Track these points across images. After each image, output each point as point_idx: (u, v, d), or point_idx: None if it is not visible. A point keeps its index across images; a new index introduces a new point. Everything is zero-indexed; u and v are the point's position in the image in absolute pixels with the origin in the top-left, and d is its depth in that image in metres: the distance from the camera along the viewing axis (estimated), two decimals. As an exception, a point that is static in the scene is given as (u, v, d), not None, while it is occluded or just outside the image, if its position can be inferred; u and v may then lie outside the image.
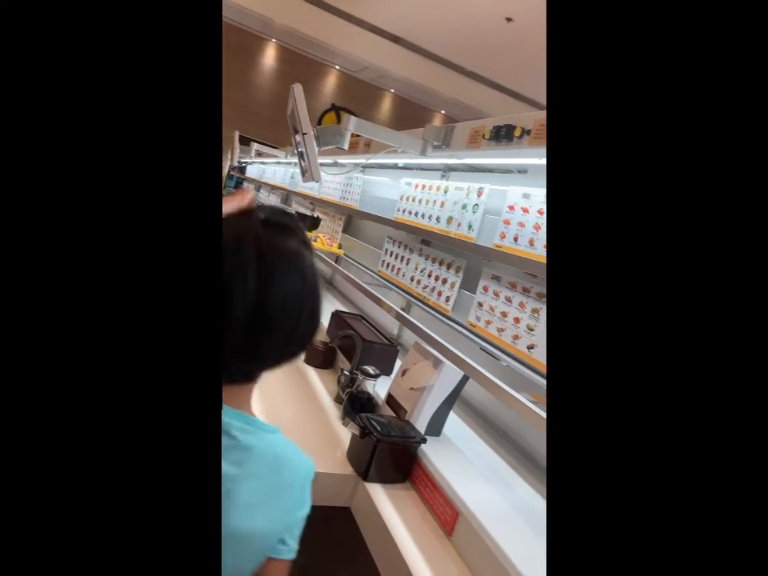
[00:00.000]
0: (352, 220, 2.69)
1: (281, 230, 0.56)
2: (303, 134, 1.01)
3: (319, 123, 8.22)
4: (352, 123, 1.19)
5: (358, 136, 1.79)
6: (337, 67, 8.13)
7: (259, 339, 0.54)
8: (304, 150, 1.01)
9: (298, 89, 1.00)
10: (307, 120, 1.02)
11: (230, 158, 4.48)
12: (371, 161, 1.85)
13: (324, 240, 2.22)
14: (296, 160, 3.53)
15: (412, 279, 1.77)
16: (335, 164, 2.81)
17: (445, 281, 1.57)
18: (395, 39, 7.17)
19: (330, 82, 8.25)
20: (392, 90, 8.47)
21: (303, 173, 1.23)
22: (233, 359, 0.54)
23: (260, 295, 0.52)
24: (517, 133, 1.00)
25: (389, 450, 1.04)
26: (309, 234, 1.25)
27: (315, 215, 1.77)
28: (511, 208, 1.32)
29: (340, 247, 2.53)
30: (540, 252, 1.18)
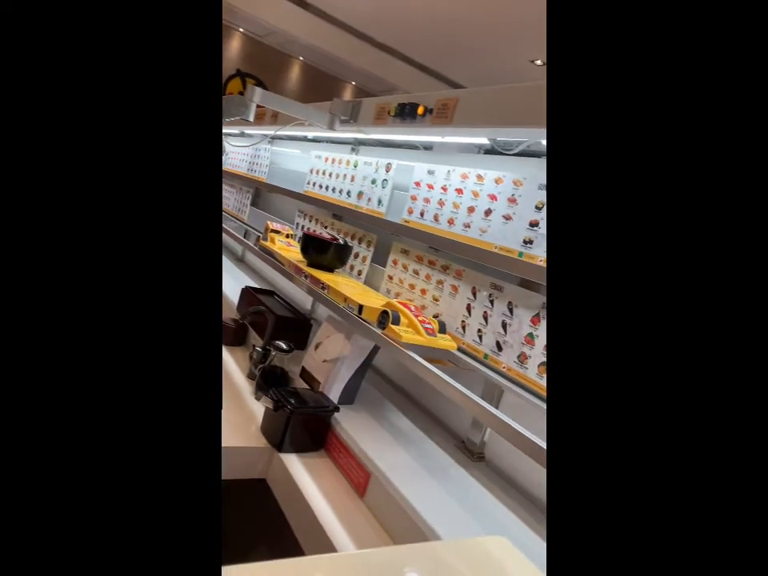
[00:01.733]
0: (261, 193, 2.62)
1: None
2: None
3: (224, 89, 7.77)
4: (257, 95, 1.16)
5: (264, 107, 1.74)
6: (241, 30, 7.69)
7: None
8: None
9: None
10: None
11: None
12: (279, 132, 1.81)
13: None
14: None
15: (324, 253, 1.78)
16: (242, 134, 2.71)
17: (357, 255, 1.60)
18: (303, 4, 6.92)
19: (234, 46, 7.81)
20: (301, 58, 8.20)
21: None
22: None
23: None
24: (420, 111, 1.03)
25: (302, 420, 1.07)
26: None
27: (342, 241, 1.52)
28: (417, 184, 1.37)
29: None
30: (444, 227, 1.24)
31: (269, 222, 1.80)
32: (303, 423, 1.07)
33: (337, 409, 1.12)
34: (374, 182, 1.59)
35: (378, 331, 1.06)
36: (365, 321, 1.11)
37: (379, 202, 1.56)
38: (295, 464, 1.04)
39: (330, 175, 1.84)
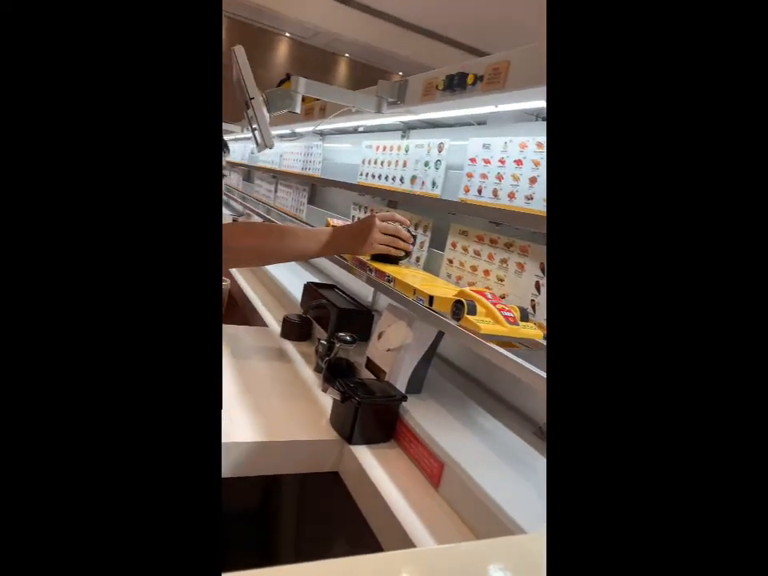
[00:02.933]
0: (316, 190, 2.64)
1: None
2: (250, 98, 0.97)
3: (275, 95, 7.95)
4: (302, 85, 1.15)
5: (316, 100, 1.73)
6: (287, 35, 7.84)
7: None
8: (253, 116, 0.97)
9: (239, 50, 0.95)
10: (253, 84, 0.98)
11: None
12: (328, 125, 1.80)
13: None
14: (247, 134, 3.44)
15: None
16: (293, 133, 2.74)
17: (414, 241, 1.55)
18: (345, 1, 6.93)
19: (282, 52, 7.97)
20: (347, 55, 8.24)
21: (257, 143, 1.19)
22: None
23: None
24: (470, 80, 0.97)
25: (371, 410, 1.05)
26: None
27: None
28: (473, 160, 1.30)
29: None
30: (504, 202, 1.17)
31: (329, 219, 1.80)
32: (372, 414, 1.05)
33: (404, 398, 1.09)
34: (426, 164, 1.54)
35: (453, 323, 0.98)
36: (437, 312, 1.04)
37: (433, 184, 1.50)
38: (366, 456, 1.02)
39: (382, 163, 1.81)
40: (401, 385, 1.16)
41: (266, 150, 1.36)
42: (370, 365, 1.28)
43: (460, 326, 0.96)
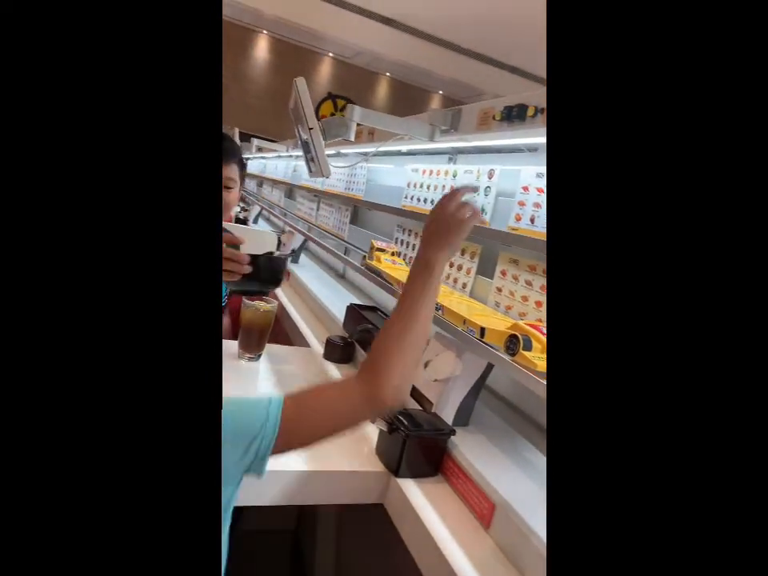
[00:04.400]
0: (358, 210, 2.66)
1: None
2: (309, 128, 0.98)
3: (316, 113, 8.13)
4: (357, 113, 1.16)
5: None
6: (330, 54, 8.02)
7: None
8: (311, 145, 0.99)
9: (300, 82, 0.97)
10: (313, 115, 0.99)
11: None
12: (372, 149, 1.81)
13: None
14: (298, 153, 3.48)
15: (426, 267, 1.74)
16: (338, 154, 2.77)
17: (460, 267, 1.54)
18: (387, 21, 7.05)
19: (325, 71, 8.15)
20: (387, 74, 8.35)
21: (310, 168, 1.21)
22: None
23: None
24: (530, 112, 0.96)
25: (418, 443, 1.03)
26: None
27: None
28: (525, 189, 1.28)
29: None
30: (558, 232, 1.15)
31: (374, 241, 1.80)
32: (419, 447, 1.03)
33: (453, 432, 1.07)
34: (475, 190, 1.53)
35: (507, 358, 0.95)
36: (489, 345, 1.01)
37: (483, 210, 1.49)
38: (413, 489, 1.00)
39: (429, 187, 1.81)
40: (448, 417, 1.14)
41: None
42: (415, 393, 1.26)
43: (514, 361, 0.93)
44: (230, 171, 1.26)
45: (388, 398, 0.66)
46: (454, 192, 0.84)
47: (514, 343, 0.94)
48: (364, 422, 0.68)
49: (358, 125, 1.24)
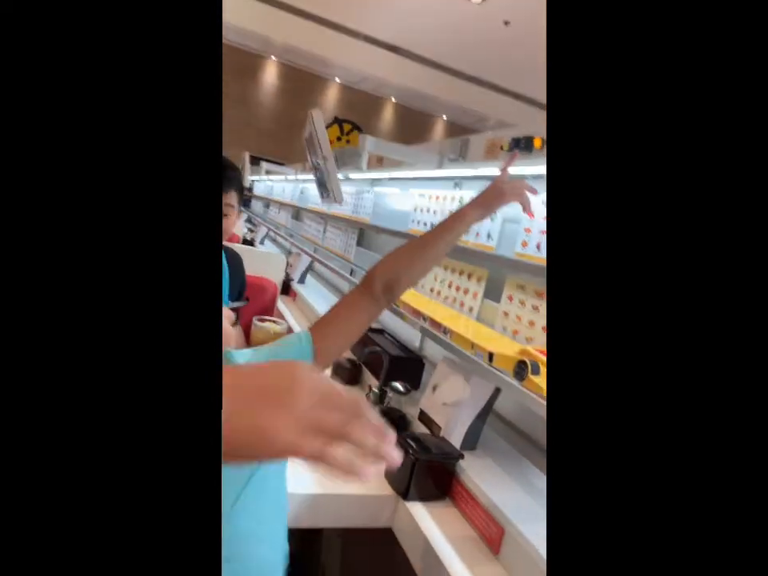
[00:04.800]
0: (365, 233, 2.70)
1: None
2: (324, 158, 1.02)
3: (323, 136, 8.26)
4: (369, 143, 1.20)
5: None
6: (337, 80, 8.20)
7: None
8: (326, 173, 1.02)
9: (317, 114, 1.01)
10: (328, 146, 1.03)
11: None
12: (384, 175, 1.85)
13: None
14: (305, 176, 3.53)
15: (432, 290, 1.77)
16: (346, 179, 2.83)
17: (467, 291, 1.57)
18: (393, 49, 7.23)
19: (331, 95, 8.32)
20: (392, 99, 8.52)
21: (323, 195, 1.25)
22: None
23: None
24: (537, 144, 1.00)
25: (427, 467, 1.04)
26: None
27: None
28: (531, 215, 1.31)
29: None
30: (564, 259, 1.17)
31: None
32: (428, 471, 1.04)
33: (461, 456, 1.08)
34: (482, 216, 1.56)
35: (516, 383, 0.96)
36: (498, 370, 1.03)
37: (488, 236, 1.52)
38: (422, 513, 1.00)
39: (435, 212, 1.85)
40: (456, 441, 1.15)
41: (317, 192, 1.41)
42: (424, 417, 1.27)
43: (523, 386, 0.95)
44: (229, 198, 1.27)
45: (387, 292, 0.80)
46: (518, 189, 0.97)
47: (522, 368, 0.95)
48: (376, 316, 0.83)
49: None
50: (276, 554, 0.65)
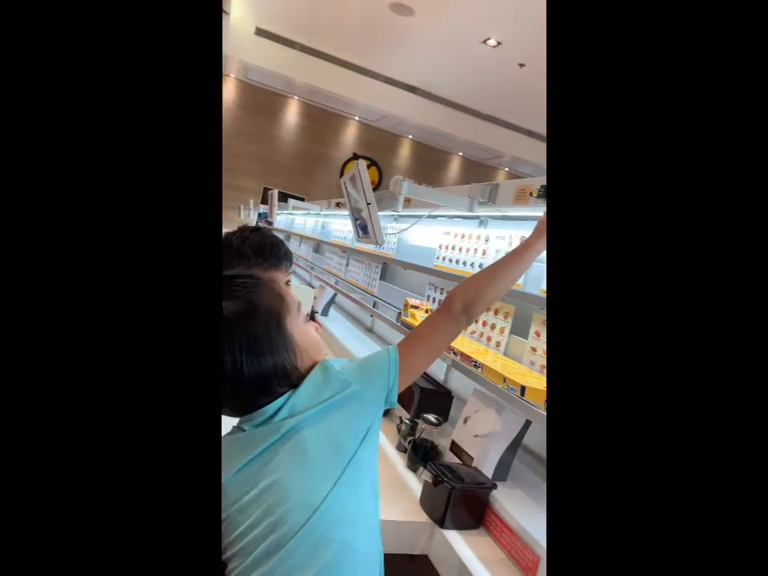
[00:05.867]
0: (388, 267, 2.78)
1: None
2: (368, 204, 1.11)
3: (341, 173, 8.52)
4: (405, 188, 1.29)
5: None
6: (356, 118, 8.49)
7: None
8: (368, 217, 1.11)
9: (361, 164, 1.11)
10: (371, 192, 1.12)
11: (267, 213, 4.70)
12: (411, 214, 1.95)
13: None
14: (329, 212, 3.64)
15: (458, 325, 1.83)
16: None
17: (494, 326, 1.63)
18: (411, 89, 7.50)
19: (350, 133, 8.60)
20: (410, 136, 8.77)
21: (359, 233, 1.33)
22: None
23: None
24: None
25: (462, 496, 1.08)
26: None
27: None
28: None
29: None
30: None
31: (408, 299, 1.91)
32: (463, 499, 1.08)
33: (494, 485, 1.12)
34: (507, 254, 1.63)
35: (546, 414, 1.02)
36: (529, 403, 1.08)
37: (515, 274, 1.59)
38: (458, 541, 1.04)
39: (460, 250, 1.93)
40: (488, 471, 1.19)
41: (341, 228, 1.48)
42: (455, 448, 1.32)
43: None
44: (282, 278, 1.26)
45: (467, 313, 0.85)
46: None
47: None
48: (455, 335, 0.89)
49: (407, 198, 1.38)
50: (374, 544, 0.70)
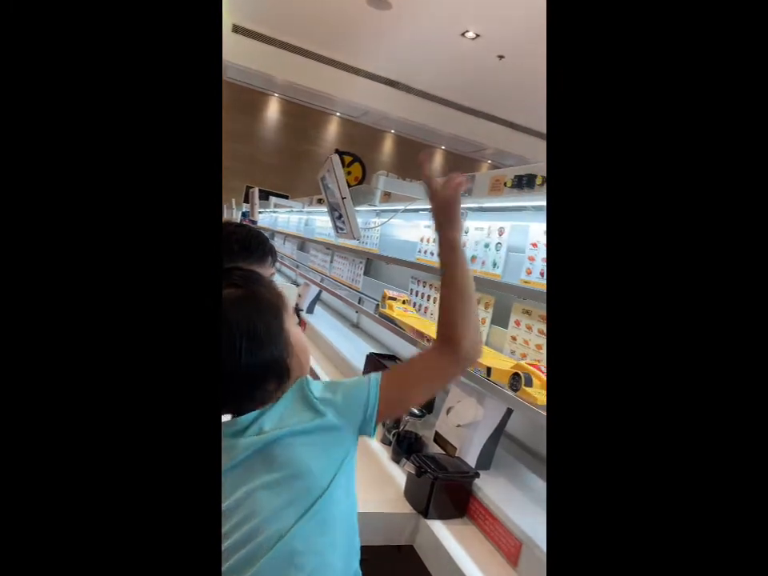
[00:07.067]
0: (372, 263, 2.78)
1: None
2: (342, 198, 1.11)
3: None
4: (381, 182, 1.29)
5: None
6: (338, 114, 8.45)
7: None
8: (344, 211, 1.11)
9: (335, 159, 1.11)
10: (346, 186, 1.12)
11: (249, 212, 4.66)
12: (396, 207, 1.95)
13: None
14: (312, 209, 3.63)
15: (441, 317, 1.84)
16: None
17: (475, 317, 1.63)
18: (392, 83, 7.49)
19: (332, 129, 8.57)
20: (392, 131, 8.76)
21: (338, 229, 1.33)
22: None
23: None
24: (539, 181, 1.09)
25: (445, 486, 1.09)
26: None
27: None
28: (534, 245, 1.40)
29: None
30: (567, 285, 1.25)
31: (386, 291, 1.91)
32: (446, 489, 1.09)
33: (477, 474, 1.13)
34: (486, 245, 1.64)
35: (512, 393, 1.06)
36: (496, 383, 1.11)
37: (494, 264, 1.60)
38: (442, 531, 1.05)
39: (441, 242, 1.93)
40: (471, 460, 1.20)
41: (325, 225, 1.49)
42: (439, 439, 1.33)
43: (518, 396, 1.03)
44: (266, 271, 1.27)
45: (470, 352, 0.76)
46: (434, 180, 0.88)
47: (516, 380, 1.05)
48: (454, 379, 0.83)
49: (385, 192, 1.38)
50: (349, 563, 0.71)
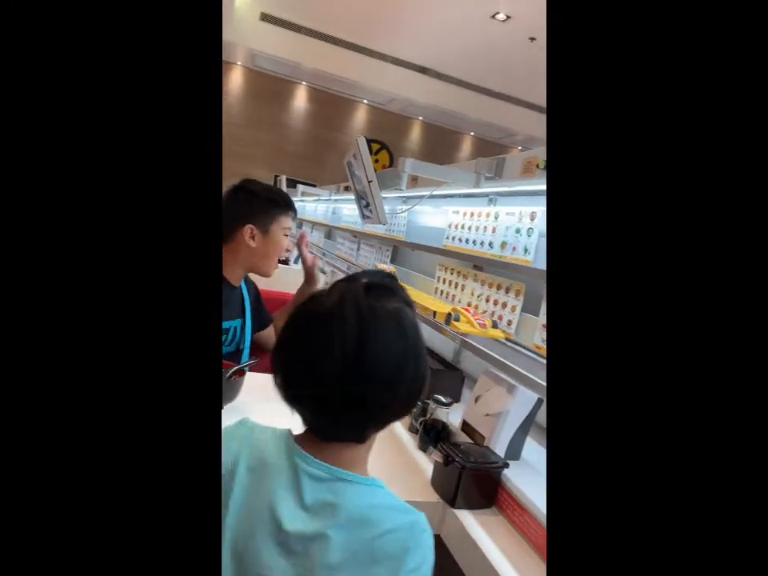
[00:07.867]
0: (398, 250, 2.76)
1: (382, 293, 0.64)
2: (369, 181, 1.08)
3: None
4: (408, 165, 1.26)
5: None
6: (365, 101, 8.40)
7: (359, 394, 0.60)
8: (370, 196, 1.09)
9: (362, 142, 1.08)
10: (372, 169, 1.10)
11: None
12: (423, 193, 1.91)
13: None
14: (339, 197, 3.62)
15: (469, 305, 1.80)
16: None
17: (505, 305, 1.60)
18: (421, 70, 7.38)
19: (360, 117, 8.52)
20: (420, 118, 8.66)
21: (364, 215, 1.31)
22: (338, 414, 0.63)
23: (357, 353, 0.59)
24: (573, 162, 1.04)
25: (473, 475, 1.07)
26: None
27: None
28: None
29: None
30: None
31: (378, 264, 1.90)
32: (474, 479, 1.07)
33: (506, 465, 1.10)
34: (518, 231, 1.60)
35: (446, 327, 1.41)
36: (437, 323, 1.47)
37: (525, 250, 1.55)
38: (470, 521, 1.03)
39: (470, 228, 1.89)
40: (500, 451, 1.17)
41: (351, 212, 1.49)
42: (467, 428, 1.30)
43: (449, 329, 1.40)
44: (288, 222, 1.45)
45: None
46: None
47: (449, 317, 1.44)
48: None
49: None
50: None
